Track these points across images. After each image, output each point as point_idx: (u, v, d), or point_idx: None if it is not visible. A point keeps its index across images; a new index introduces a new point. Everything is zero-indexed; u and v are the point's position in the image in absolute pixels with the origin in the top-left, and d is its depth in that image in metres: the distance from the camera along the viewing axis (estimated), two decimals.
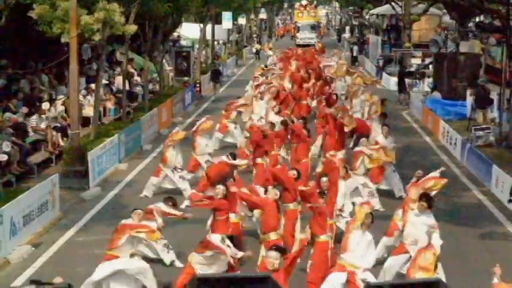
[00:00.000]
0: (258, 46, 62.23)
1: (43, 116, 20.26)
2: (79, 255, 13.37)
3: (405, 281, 9.47)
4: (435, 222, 11.72)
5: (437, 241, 10.99)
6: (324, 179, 12.80)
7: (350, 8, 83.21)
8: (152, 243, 12.54)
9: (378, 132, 18.57)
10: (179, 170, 17.10)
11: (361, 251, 10.51)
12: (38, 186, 15.08)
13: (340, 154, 17.44)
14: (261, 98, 24.24)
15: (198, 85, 35.69)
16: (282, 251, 9.18)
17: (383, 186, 17.15)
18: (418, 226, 11.62)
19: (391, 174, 17.13)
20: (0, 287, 11.78)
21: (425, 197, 11.68)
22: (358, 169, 16.16)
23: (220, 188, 11.83)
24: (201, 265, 10.94)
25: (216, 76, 37.71)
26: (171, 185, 17.08)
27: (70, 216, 15.81)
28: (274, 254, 8.95)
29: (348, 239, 10.67)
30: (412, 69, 36.19)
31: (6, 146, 17.37)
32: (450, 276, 11.09)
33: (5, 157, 17.13)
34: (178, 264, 12.54)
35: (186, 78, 35.85)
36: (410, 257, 11.27)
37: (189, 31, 46.17)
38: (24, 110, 20.28)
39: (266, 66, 34.04)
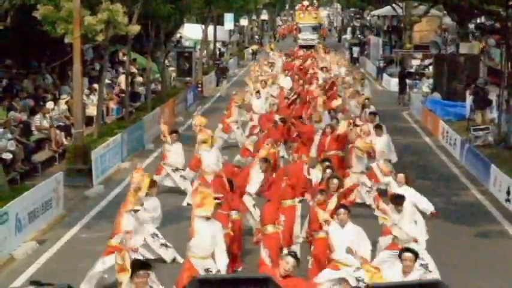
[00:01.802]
0: (255, 47, 62.15)
1: (47, 115, 20.45)
2: (82, 251, 13.55)
3: (405, 281, 9.61)
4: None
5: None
6: (335, 180, 12.60)
7: (351, 9, 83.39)
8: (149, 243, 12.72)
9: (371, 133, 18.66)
10: (181, 171, 17.31)
11: (348, 246, 10.55)
12: (43, 184, 15.25)
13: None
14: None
15: (200, 85, 35.90)
16: (297, 259, 9.09)
17: (382, 186, 17.28)
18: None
19: None
20: (5, 282, 11.96)
21: (393, 198, 11.72)
22: (355, 167, 16.41)
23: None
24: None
25: (223, 72, 38.04)
26: (172, 183, 17.30)
27: (74, 214, 16.00)
28: (291, 260, 8.92)
29: (329, 239, 10.86)
30: (413, 70, 36.35)
31: (11, 145, 17.56)
32: (448, 274, 11.21)
33: (9, 155, 17.35)
34: (180, 260, 12.67)
35: (188, 79, 35.99)
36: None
37: (191, 32, 46.36)
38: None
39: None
